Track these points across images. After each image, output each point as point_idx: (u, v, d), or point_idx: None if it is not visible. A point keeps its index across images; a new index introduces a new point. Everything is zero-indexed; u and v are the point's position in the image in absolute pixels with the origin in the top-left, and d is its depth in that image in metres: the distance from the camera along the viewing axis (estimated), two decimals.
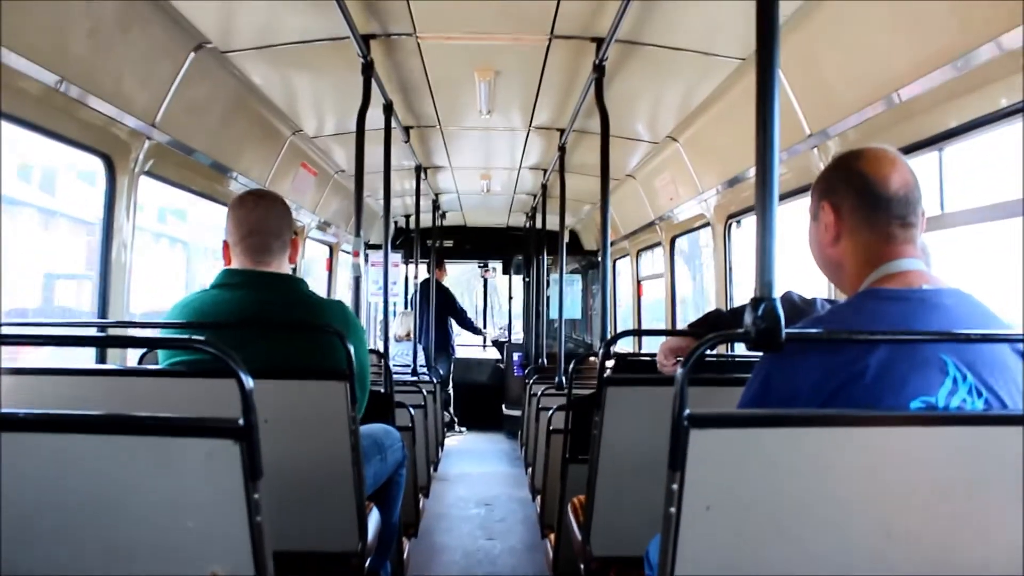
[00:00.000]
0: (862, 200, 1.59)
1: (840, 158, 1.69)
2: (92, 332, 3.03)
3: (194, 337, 1.45)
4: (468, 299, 14.14)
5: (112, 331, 3.22)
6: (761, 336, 1.35)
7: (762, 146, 1.43)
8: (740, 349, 4.23)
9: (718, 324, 2.37)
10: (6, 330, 2.14)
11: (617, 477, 2.40)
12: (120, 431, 1.31)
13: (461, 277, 15.12)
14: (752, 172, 4.06)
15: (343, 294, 7.68)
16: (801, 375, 1.46)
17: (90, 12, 2.69)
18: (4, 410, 1.31)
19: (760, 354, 1.52)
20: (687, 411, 1.23)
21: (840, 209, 1.62)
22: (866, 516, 1.30)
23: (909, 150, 2.69)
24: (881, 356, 1.42)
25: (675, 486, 1.24)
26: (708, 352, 1.32)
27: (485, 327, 11.55)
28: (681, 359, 2.38)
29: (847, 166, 1.65)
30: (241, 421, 1.26)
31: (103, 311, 3.25)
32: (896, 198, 1.57)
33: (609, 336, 4.52)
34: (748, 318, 1.37)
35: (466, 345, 11.21)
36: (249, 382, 1.28)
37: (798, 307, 2.18)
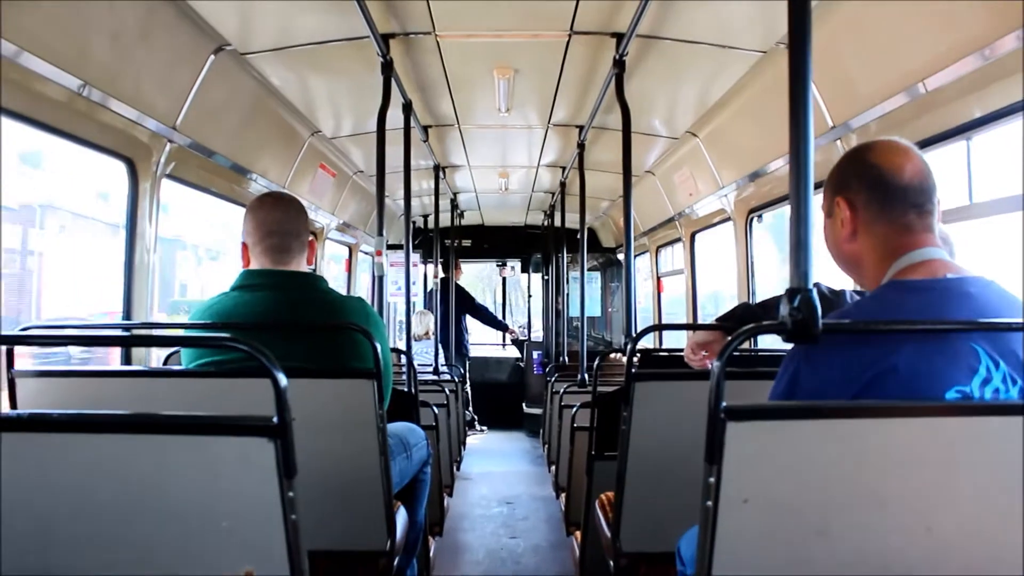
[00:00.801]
0: (877, 192, 1.57)
1: (851, 152, 1.67)
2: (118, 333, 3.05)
3: (228, 336, 1.45)
4: (489, 298, 14.14)
5: (137, 333, 3.24)
6: (797, 327, 1.34)
7: (795, 136, 1.42)
8: (764, 343, 4.21)
9: (746, 318, 2.35)
10: (35, 331, 2.16)
11: (646, 472, 2.39)
12: (154, 431, 1.31)
13: (482, 273, 15.15)
14: (773, 166, 4.11)
15: (362, 295, 7.70)
16: (831, 369, 1.44)
17: (112, 16, 2.71)
18: (37, 411, 1.32)
19: (788, 348, 1.50)
20: (723, 404, 1.22)
21: (855, 204, 1.60)
22: (905, 510, 1.28)
23: (936, 140, 2.66)
24: (913, 348, 1.40)
25: (712, 479, 1.23)
26: None
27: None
28: (707, 354, 2.38)
29: (859, 160, 1.63)
30: (275, 419, 1.26)
31: (128, 313, 3.26)
32: (911, 187, 1.55)
33: (635, 332, 4.50)
34: (784, 309, 1.35)
35: (485, 344, 11.21)
36: (283, 380, 1.29)
37: (828, 299, 2.16)
